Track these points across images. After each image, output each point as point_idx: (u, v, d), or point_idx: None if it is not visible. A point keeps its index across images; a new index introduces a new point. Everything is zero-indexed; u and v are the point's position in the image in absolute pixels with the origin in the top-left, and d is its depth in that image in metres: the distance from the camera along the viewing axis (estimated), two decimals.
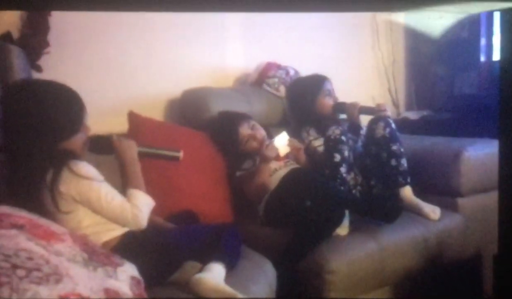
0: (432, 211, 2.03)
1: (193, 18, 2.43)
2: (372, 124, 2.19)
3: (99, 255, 1.20)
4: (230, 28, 2.58)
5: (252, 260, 1.65)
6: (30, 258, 1.01)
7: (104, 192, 1.43)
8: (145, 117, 2.08)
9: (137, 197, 1.48)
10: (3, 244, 1.01)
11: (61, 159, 1.40)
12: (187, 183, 2.00)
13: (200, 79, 2.43)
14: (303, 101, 2.39)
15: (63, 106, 1.44)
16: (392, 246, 1.87)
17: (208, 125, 2.21)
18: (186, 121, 2.29)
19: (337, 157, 2.02)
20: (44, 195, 1.38)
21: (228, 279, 1.44)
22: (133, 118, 2.04)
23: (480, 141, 2.23)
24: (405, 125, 2.67)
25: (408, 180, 2.10)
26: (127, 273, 1.21)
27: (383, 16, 3.03)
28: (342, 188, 2.00)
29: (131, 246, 1.43)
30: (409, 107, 3.17)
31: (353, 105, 2.28)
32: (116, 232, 1.46)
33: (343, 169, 2.02)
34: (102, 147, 1.55)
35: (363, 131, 2.27)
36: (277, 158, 2.05)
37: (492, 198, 2.04)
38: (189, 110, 2.32)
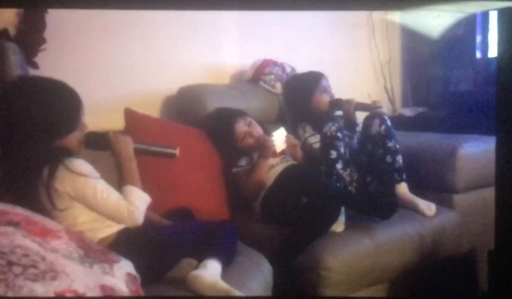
0: (428, 207, 2.04)
1: (190, 15, 2.42)
2: (367, 121, 2.19)
3: (95, 252, 1.20)
4: (227, 25, 2.58)
5: (248, 256, 1.65)
6: (26, 255, 1.01)
7: (100, 188, 1.43)
8: (141, 114, 2.08)
9: (133, 193, 1.48)
10: None
11: (57, 157, 1.39)
12: (183, 180, 2.00)
13: (196, 76, 2.42)
14: (300, 98, 2.39)
15: (59, 103, 1.43)
16: (387, 242, 1.88)
17: (204, 122, 2.21)
18: (182, 118, 2.28)
19: (333, 154, 2.03)
20: (40, 192, 1.37)
21: (224, 275, 1.44)
22: (130, 115, 2.04)
23: (476, 138, 2.23)
24: (400, 122, 2.68)
25: (404, 176, 2.10)
26: (123, 270, 1.21)
27: (379, 14, 3.03)
28: (338, 184, 2.00)
29: (127, 243, 1.42)
30: (405, 104, 3.17)
31: (349, 102, 2.28)
32: (112, 228, 1.46)
33: (339, 166, 2.02)
34: (98, 144, 1.54)
35: (359, 128, 2.28)
36: (274, 154, 2.05)
37: (487, 195, 2.08)
38: (185, 107, 2.32)
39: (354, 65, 3.00)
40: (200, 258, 1.46)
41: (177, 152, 1.62)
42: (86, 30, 2.16)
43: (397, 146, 2.12)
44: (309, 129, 2.32)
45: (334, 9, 2.41)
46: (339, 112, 2.36)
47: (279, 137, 2.04)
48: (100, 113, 1.94)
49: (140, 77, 2.32)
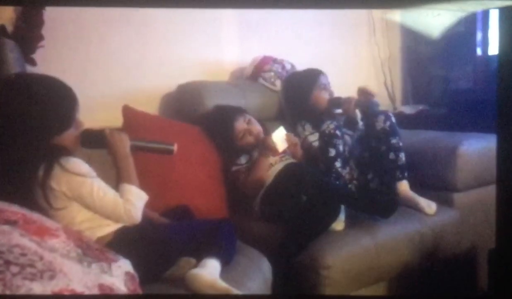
0: (428, 205, 2.03)
1: (189, 12, 2.41)
2: (372, 117, 2.19)
3: (93, 251, 1.19)
4: (226, 21, 2.57)
5: (248, 255, 1.64)
6: (23, 254, 1.01)
7: (96, 187, 1.42)
8: (139, 111, 2.07)
9: (130, 191, 1.47)
10: None
11: (53, 155, 1.38)
12: (181, 178, 1.99)
13: (195, 73, 2.41)
14: (298, 95, 2.39)
15: (55, 101, 1.42)
16: (388, 241, 1.87)
17: (203, 119, 2.20)
18: (181, 116, 2.28)
19: (332, 152, 2.02)
20: (36, 192, 1.36)
21: (223, 274, 1.43)
22: (128, 112, 2.03)
23: (476, 136, 2.23)
24: (401, 120, 2.66)
25: (406, 174, 2.10)
26: (121, 269, 1.20)
27: (380, 12, 3.02)
28: (337, 182, 2.00)
29: (125, 242, 1.42)
30: (405, 102, 3.17)
31: (348, 100, 2.27)
32: (110, 227, 1.45)
33: (338, 164, 2.02)
34: (94, 141, 1.52)
35: (360, 126, 2.27)
36: (276, 153, 2.04)
37: (488, 193, 2.07)
38: (184, 104, 2.31)
39: (354, 62, 3.00)
40: (199, 256, 1.45)
41: (174, 148, 1.61)
42: (84, 27, 2.15)
43: (401, 143, 2.12)
44: (308, 128, 2.32)
45: (335, 7, 2.40)
46: (339, 110, 2.35)
47: (280, 137, 2.03)
48: (98, 110, 1.95)
49: (138, 74, 2.31)
